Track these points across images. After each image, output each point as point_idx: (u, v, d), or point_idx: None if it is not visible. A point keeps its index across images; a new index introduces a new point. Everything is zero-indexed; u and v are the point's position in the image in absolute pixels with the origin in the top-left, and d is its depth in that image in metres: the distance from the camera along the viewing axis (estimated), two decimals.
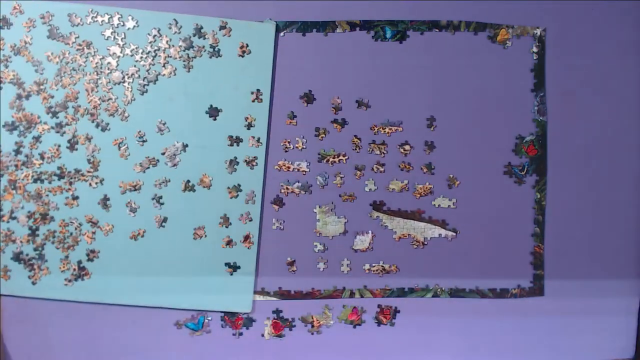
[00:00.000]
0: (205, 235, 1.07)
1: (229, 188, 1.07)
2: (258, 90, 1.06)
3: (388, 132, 1.09)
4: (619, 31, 1.10)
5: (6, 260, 1.05)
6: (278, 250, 1.09)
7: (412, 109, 1.09)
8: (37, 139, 1.04)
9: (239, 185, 1.07)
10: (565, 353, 1.13)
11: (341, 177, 1.08)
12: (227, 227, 1.07)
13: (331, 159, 1.08)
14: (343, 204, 1.09)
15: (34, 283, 1.06)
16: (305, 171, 1.08)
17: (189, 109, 1.06)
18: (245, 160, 1.07)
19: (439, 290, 1.11)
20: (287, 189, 1.08)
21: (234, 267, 1.08)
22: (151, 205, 1.06)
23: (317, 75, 1.08)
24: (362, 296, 1.11)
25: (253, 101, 1.06)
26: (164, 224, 1.06)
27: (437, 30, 1.08)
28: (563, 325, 1.13)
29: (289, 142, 1.08)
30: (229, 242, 1.07)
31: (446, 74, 1.09)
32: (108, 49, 1.04)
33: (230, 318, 1.10)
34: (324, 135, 1.08)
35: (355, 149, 1.09)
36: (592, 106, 1.10)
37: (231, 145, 1.07)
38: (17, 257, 1.05)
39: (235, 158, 1.07)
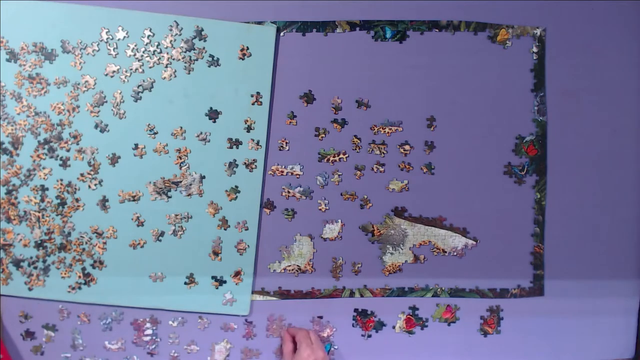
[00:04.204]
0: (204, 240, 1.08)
1: (227, 191, 1.07)
2: (258, 93, 1.06)
3: (388, 132, 1.09)
4: (619, 31, 1.09)
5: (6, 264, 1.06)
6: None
7: (412, 109, 1.09)
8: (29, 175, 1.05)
9: (237, 187, 1.07)
10: (565, 353, 1.13)
11: (339, 175, 1.08)
12: (225, 229, 1.08)
13: (331, 158, 1.08)
14: (344, 203, 1.09)
15: (30, 289, 1.06)
16: (299, 174, 1.08)
17: (189, 111, 1.06)
18: (245, 163, 1.07)
19: (438, 290, 1.11)
20: (289, 192, 1.08)
21: (226, 279, 1.09)
22: (153, 214, 1.07)
23: (317, 75, 1.07)
24: (362, 296, 1.11)
25: (253, 104, 1.06)
26: (160, 238, 1.07)
27: (437, 30, 1.08)
28: (563, 325, 1.13)
29: (286, 143, 1.08)
30: (220, 251, 1.08)
31: (446, 74, 1.08)
32: (108, 49, 1.04)
33: (362, 319, 1.10)
34: (323, 135, 1.08)
35: (355, 149, 1.09)
36: (592, 106, 1.10)
37: (230, 147, 1.07)
38: (18, 264, 1.06)
39: (235, 160, 1.07)
